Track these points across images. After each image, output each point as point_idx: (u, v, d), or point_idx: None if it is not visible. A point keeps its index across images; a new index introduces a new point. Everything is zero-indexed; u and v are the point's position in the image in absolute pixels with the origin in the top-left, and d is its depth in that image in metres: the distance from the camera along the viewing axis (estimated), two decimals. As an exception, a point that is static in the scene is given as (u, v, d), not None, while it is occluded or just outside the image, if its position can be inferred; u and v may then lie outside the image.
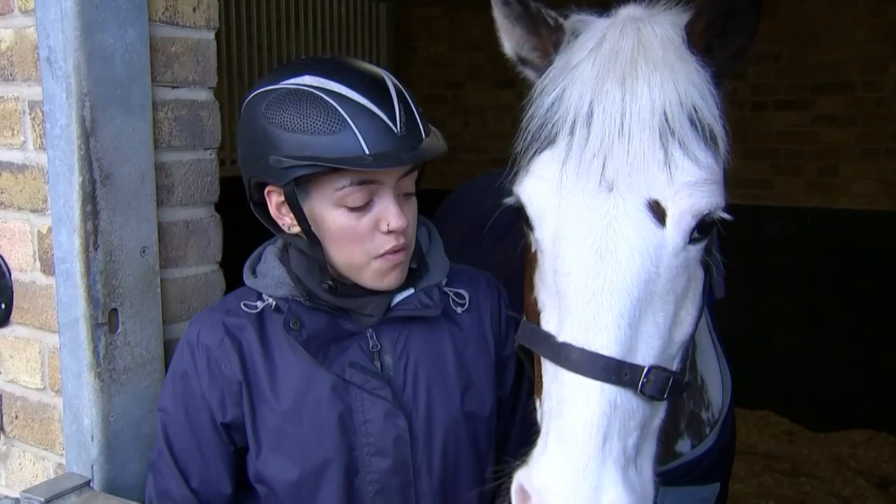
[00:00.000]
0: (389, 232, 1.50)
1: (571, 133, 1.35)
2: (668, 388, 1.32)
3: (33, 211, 1.79)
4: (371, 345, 1.58)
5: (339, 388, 1.55)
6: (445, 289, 1.67)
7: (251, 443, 1.57)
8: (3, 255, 1.86)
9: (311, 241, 1.54)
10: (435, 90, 6.94)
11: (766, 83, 5.68)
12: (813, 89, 5.60)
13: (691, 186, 1.32)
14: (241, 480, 1.62)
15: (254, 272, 1.65)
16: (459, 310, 1.67)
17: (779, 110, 5.72)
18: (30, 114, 1.76)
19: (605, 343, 1.27)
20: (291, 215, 1.53)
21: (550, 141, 1.39)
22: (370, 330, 1.59)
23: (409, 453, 1.56)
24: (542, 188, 1.39)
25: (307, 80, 1.47)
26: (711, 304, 1.68)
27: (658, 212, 1.32)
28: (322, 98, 1.45)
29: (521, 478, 1.27)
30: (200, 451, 1.57)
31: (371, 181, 1.48)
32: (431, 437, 1.59)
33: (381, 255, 1.52)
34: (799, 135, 5.69)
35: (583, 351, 1.27)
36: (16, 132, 1.80)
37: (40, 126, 1.73)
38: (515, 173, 1.45)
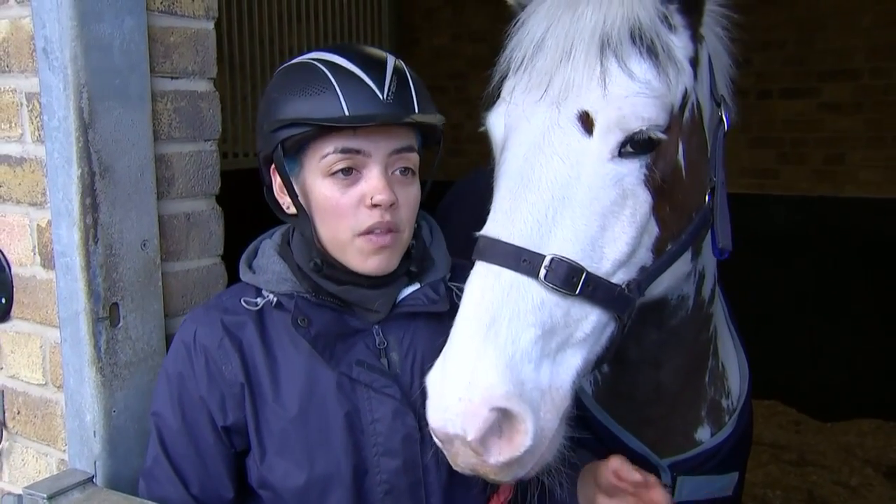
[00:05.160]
0: (374, 206, 1.47)
1: (526, 58, 1.47)
2: (580, 283, 1.32)
3: (32, 204, 1.77)
4: (377, 342, 1.54)
5: (346, 387, 1.51)
6: (449, 284, 1.64)
7: (254, 446, 1.51)
8: (3, 250, 1.84)
9: (301, 216, 1.52)
10: (437, 81, 6.90)
11: (772, 71, 5.63)
12: (819, 76, 5.55)
13: (622, 99, 1.38)
14: (241, 484, 1.56)
15: (250, 267, 1.61)
16: None
17: (784, 98, 5.67)
18: (27, 106, 1.74)
19: (509, 233, 1.34)
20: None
21: (511, 68, 1.51)
22: (376, 327, 1.55)
23: (418, 452, 1.52)
24: (499, 109, 1.53)
25: (312, 55, 1.52)
26: (720, 262, 1.71)
27: (587, 122, 1.39)
28: (315, 66, 1.49)
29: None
30: (200, 456, 1.51)
31: (357, 151, 1.47)
32: None
33: (366, 234, 1.48)
34: (805, 123, 5.64)
35: (487, 238, 1.36)
36: (13, 125, 1.78)
37: (38, 118, 1.71)
38: (489, 104, 1.57)
